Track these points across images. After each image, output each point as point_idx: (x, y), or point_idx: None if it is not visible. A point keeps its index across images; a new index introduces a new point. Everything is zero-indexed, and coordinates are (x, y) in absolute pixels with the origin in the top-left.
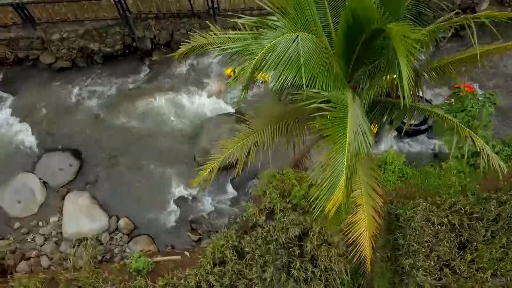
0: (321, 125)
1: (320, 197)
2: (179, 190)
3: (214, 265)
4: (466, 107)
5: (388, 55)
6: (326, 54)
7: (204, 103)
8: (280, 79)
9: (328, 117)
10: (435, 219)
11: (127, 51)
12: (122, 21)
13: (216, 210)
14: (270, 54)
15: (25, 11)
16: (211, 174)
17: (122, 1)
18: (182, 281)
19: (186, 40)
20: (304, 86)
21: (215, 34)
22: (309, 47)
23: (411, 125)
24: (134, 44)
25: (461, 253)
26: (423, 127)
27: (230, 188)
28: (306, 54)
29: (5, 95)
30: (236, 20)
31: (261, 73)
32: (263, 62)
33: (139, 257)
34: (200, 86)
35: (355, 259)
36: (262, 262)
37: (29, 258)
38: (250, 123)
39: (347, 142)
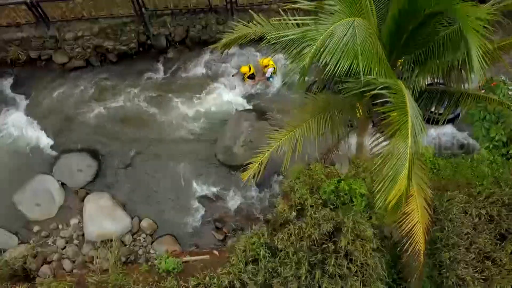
0: (385, 112)
1: (383, 188)
2: (200, 189)
3: (246, 263)
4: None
5: (438, 42)
6: (376, 42)
7: (222, 100)
8: (338, 66)
9: (392, 103)
10: (473, 210)
11: (141, 49)
12: (137, 18)
13: (240, 208)
14: (328, 40)
15: (39, 10)
16: (260, 167)
17: None
18: (215, 280)
19: (229, 31)
20: (362, 73)
21: (272, 22)
22: (363, 33)
23: (437, 113)
24: (148, 42)
25: (502, 244)
26: (450, 116)
27: (252, 186)
28: (361, 40)
29: (18, 96)
30: (292, 5)
31: (268, 65)
32: (322, 49)
33: (168, 257)
34: (217, 84)
35: (409, 251)
36: (296, 259)
37: (50, 262)
38: (296, 114)
39: (409, 129)
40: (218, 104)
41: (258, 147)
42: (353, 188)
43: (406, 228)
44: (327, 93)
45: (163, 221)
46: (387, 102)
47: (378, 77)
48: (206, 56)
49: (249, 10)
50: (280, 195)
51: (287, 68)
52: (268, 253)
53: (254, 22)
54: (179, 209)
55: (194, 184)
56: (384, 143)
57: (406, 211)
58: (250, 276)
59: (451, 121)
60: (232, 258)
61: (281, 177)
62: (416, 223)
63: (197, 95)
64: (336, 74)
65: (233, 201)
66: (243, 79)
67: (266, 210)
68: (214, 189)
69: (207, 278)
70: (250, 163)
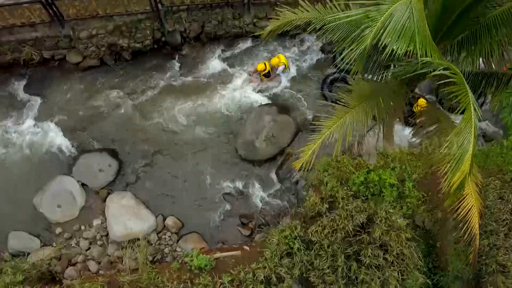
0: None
1: (449, 170)
2: (223, 185)
3: (281, 257)
4: None
5: (485, 23)
6: (425, 24)
7: (238, 97)
8: (396, 48)
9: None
10: (509, 196)
11: (156, 46)
12: (153, 15)
13: (264, 203)
14: (388, 21)
15: (54, 8)
16: (313, 156)
17: None
18: (250, 275)
19: (275, 17)
20: (418, 55)
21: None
22: (417, 15)
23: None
24: (163, 39)
25: None
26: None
27: (275, 180)
28: (416, 21)
29: (32, 97)
30: None
31: (279, 60)
32: (382, 30)
33: (198, 254)
34: (234, 80)
35: (465, 236)
36: (331, 251)
37: (75, 264)
38: (345, 101)
39: (471, 109)
40: (235, 100)
41: (280, 142)
42: (383, 178)
43: (462, 212)
44: (369, 81)
45: (188, 218)
46: (450, 83)
47: (433, 59)
48: (221, 53)
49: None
50: (306, 189)
51: (343, 53)
52: (304, 246)
53: (300, 8)
54: (203, 206)
55: (217, 181)
56: (425, 131)
57: (462, 195)
58: (286, 270)
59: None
60: (266, 252)
61: (300, 173)
62: (471, 207)
63: (213, 92)
64: (391, 57)
65: (257, 197)
66: (259, 76)
67: (291, 204)
68: (237, 185)
69: (242, 274)
70: (272, 157)
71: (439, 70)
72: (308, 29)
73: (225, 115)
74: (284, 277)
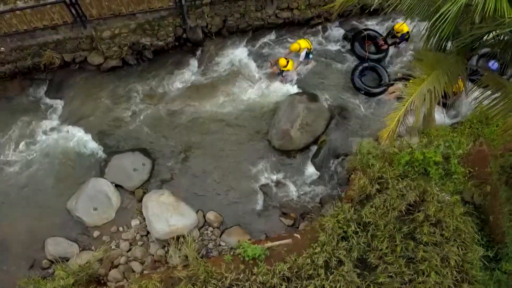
0: None
1: None
2: (260, 177)
3: (337, 241)
4: None
5: None
6: None
7: (265, 87)
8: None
9: None
10: None
11: (177, 43)
12: (175, 11)
13: (303, 191)
14: None
15: (77, 8)
16: (398, 125)
17: None
18: (308, 261)
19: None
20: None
21: None
22: None
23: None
24: (184, 35)
25: None
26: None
27: (312, 169)
28: None
29: (55, 102)
30: None
31: (299, 46)
32: None
33: (249, 245)
34: (258, 72)
35: None
36: (387, 232)
37: (117, 266)
38: (421, 69)
39: None
40: (261, 92)
41: (314, 129)
42: (427, 156)
43: None
44: (435, 52)
45: (227, 212)
46: None
47: None
48: (244, 46)
49: None
50: (348, 173)
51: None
52: (361, 228)
53: None
54: (241, 199)
55: (252, 173)
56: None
57: None
58: (345, 253)
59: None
60: (321, 236)
61: (339, 159)
62: None
63: (238, 86)
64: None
65: (295, 186)
66: (280, 71)
67: (333, 191)
68: (273, 176)
69: (300, 259)
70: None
71: None
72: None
73: (253, 108)
74: (344, 260)
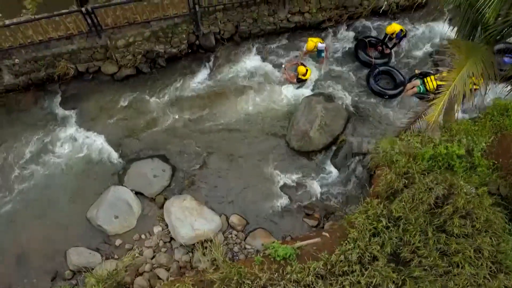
0: None
1: None
2: (280, 179)
3: (369, 237)
4: None
5: None
6: None
7: (280, 90)
8: None
9: None
10: None
11: (190, 50)
12: (189, 18)
13: (324, 192)
14: None
15: (93, 17)
16: (442, 110)
17: None
18: (341, 257)
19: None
20: None
21: None
22: None
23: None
24: (197, 42)
25: None
26: None
27: (331, 168)
28: None
29: (71, 112)
30: None
31: (314, 43)
32: None
33: (279, 246)
34: (271, 76)
35: None
36: (418, 225)
37: (142, 273)
38: (459, 56)
39: None
40: (276, 95)
41: (333, 129)
42: (451, 150)
43: None
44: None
45: (250, 215)
46: None
47: None
48: (256, 51)
49: None
50: (372, 169)
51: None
52: (392, 223)
53: None
54: (263, 201)
55: (273, 176)
56: None
57: None
58: (378, 248)
59: None
60: (352, 233)
61: (359, 158)
62: None
63: (252, 90)
64: None
65: (317, 187)
66: (297, 77)
67: (355, 189)
68: (294, 177)
69: (333, 257)
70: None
71: None
72: None
73: (269, 111)
74: (377, 256)
